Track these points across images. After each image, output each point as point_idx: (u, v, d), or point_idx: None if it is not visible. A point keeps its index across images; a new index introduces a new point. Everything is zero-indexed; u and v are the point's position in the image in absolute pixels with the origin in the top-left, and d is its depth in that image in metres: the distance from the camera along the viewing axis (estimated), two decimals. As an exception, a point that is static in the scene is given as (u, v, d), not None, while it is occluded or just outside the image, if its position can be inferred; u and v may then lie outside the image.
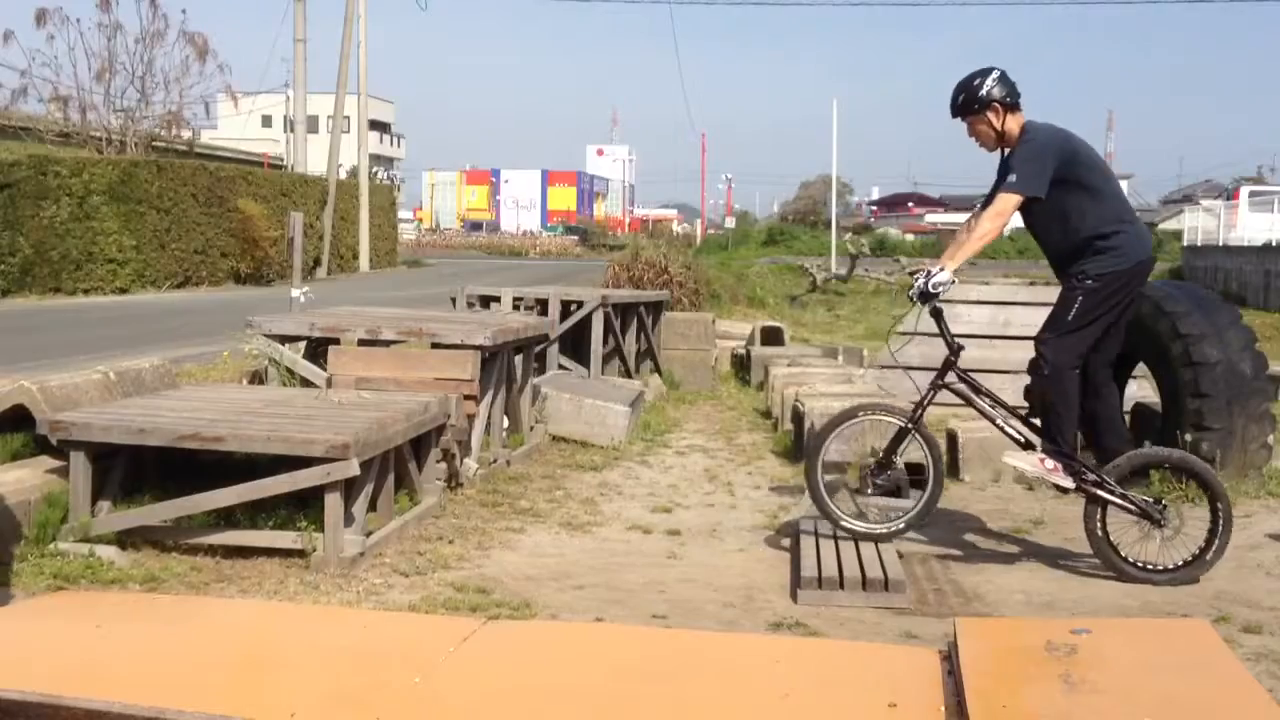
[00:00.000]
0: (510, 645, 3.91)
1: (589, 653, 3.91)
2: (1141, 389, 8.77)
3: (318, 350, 6.77)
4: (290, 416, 5.25)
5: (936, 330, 5.15)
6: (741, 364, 12.27)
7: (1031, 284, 10.90)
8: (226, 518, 4.97)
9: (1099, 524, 4.98)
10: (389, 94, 77.29)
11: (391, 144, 78.51)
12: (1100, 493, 4.98)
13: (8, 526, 4.73)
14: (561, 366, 9.78)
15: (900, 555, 5.07)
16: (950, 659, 3.68)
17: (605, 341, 9.98)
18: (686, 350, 11.51)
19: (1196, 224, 32.89)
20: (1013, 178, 4.93)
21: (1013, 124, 5.07)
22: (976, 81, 5.06)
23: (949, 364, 5.15)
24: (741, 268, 26.97)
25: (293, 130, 32.79)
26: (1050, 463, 5.04)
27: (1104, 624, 4.19)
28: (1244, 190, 34.46)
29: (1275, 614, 4.46)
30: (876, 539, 5.08)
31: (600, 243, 62.06)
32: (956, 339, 5.18)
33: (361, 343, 6.53)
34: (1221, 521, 4.91)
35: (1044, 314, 7.94)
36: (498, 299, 10.01)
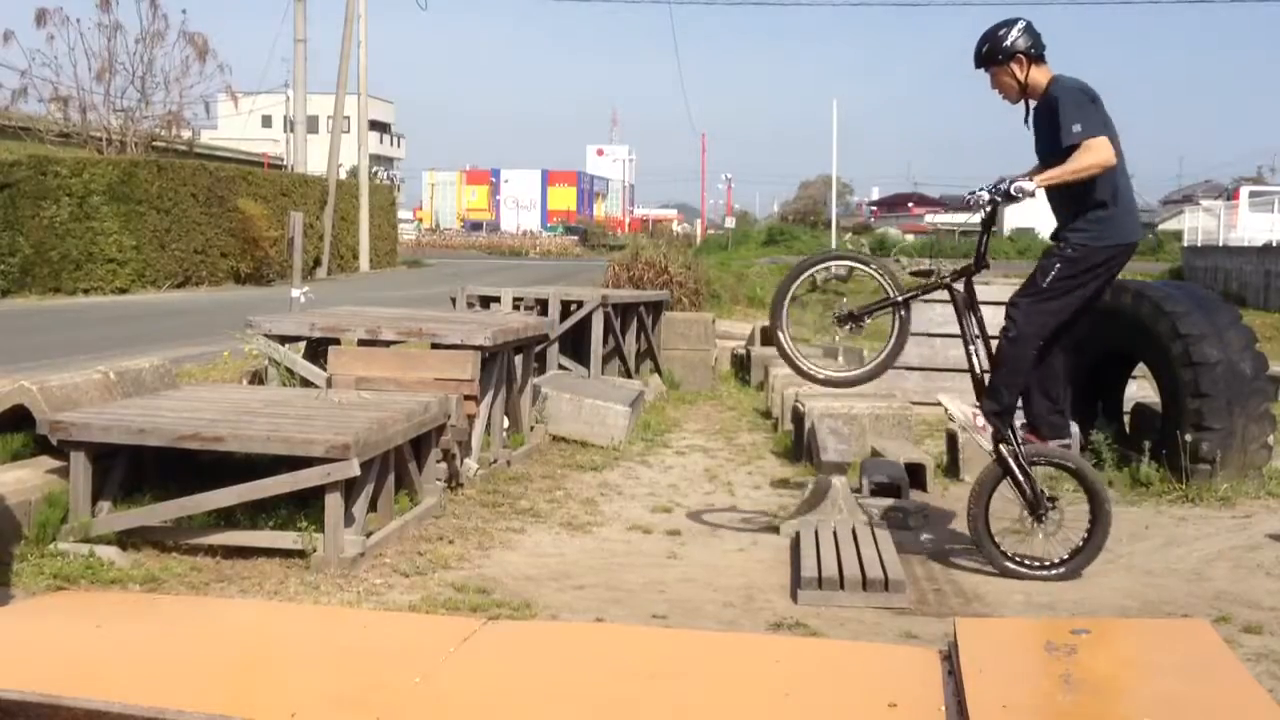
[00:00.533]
0: (510, 645, 3.91)
1: (589, 653, 3.91)
2: (1141, 389, 8.77)
3: (318, 350, 6.77)
4: (290, 416, 5.25)
5: (958, 300, 5.18)
6: (741, 364, 12.27)
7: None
8: (227, 518, 4.97)
9: (990, 492, 5.03)
10: (389, 94, 77.28)
11: (391, 144, 78.51)
12: (1011, 463, 5.00)
13: (8, 526, 4.73)
14: (561, 366, 9.78)
15: (903, 556, 5.07)
16: (950, 659, 3.68)
17: (605, 341, 9.98)
18: (686, 350, 11.51)
19: (1196, 224, 32.89)
20: (1079, 126, 4.76)
21: (1038, 75, 4.99)
22: (1002, 32, 4.98)
23: (968, 273, 5.15)
24: (741, 268, 26.97)
25: (293, 130, 32.78)
26: (982, 420, 5.07)
27: (1104, 624, 4.19)
28: (1244, 190, 34.47)
29: (1275, 614, 4.46)
30: (823, 380, 5.33)
31: (600, 243, 62.05)
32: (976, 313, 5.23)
33: (361, 343, 6.53)
34: (1098, 525, 4.94)
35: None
36: (498, 299, 10.01)
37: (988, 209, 4.98)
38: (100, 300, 19.90)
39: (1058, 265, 4.93)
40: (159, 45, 25.93)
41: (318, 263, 27.73)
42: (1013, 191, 4.84)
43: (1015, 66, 4.98)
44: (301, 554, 4.79)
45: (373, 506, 5.14)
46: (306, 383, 6.54)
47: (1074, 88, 4.92)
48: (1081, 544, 4.96)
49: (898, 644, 4.09)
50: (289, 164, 35.12)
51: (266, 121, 53.06)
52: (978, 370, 5.16)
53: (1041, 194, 4.95)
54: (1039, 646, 3.70)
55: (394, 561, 4.93)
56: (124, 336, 12.88)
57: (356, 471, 4.76)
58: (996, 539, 5.02)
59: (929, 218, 64.66)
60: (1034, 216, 60.87)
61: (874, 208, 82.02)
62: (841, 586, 4.59)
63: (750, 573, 5.02)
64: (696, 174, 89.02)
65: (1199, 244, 30.83)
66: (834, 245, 29.63)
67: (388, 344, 6.61)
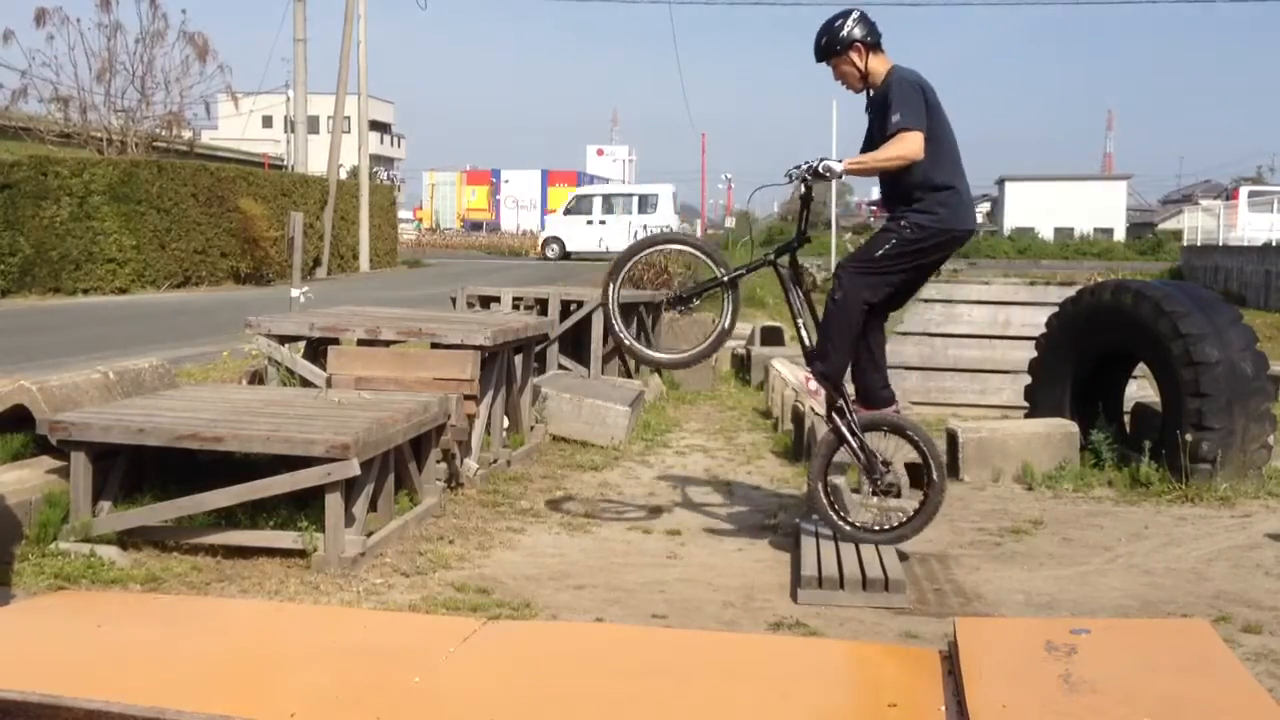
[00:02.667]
0: (510, 645, 3.91)
1: (589, 653, 3.91)
2: (1141, 389, 8.78)
3: (318, 350, 6.77)
4: (290, 416, 5.25)
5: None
6: (741, 364, 12.27)
7: (1031, 284, 10.89)
8: (227, 518, 4.97)
9: (827, 462, 5.18)
10: (389, 94, 77.36)
11: (391, 144, 78.55)
12: (844, 430, 5.13)
13: (8, 526, 4.73)
14: (561, 366, 9.78)
15: (903, 556, 5.07)
16: (950, 659, 3.68)
17: (605, 341, 9.98)
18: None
19: (1196, 224, 32.93)
20: (898, 116, 4.93)
21: (876, 64, 5.14)
22: (838, 23, 5.14)
23: (791, 249, 5.27)
24: (741, 268, 26.91)
25: (293, 130, 32.78)
26: (814, 384, 5.21)
27: (1104, 624, 4.19)
28: (1244, 190, 34.48)
29: (1275, 614, 4.46)
30: (647, 359, 5.47)
31: (600, 242, 61.96)
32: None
33: (361, 343, 6.53)
34: (934, 488, 5.05)
35: (1044, 314, 8.00)
36: (498, 299, 10.00)
37: (801, 186, 5.16)
38: (100, 300, 19.91)
39: (893, 240, 5.06)
40: (159, 45, 25.99)
41: (318, 263, 27.74)
42: (821, 169, 4.99)
43: (854, 55, 5.13)
44: (302, 554, 4.80)
45: (373, 506, 5.14)
46: (306, 383, 6.54)
47: (906, 80, 5.07)
48: (918, 507, 5.09)
49: (898, 644, 4.09)
50: (289, 164, 35.13)
51: (267, 122, 53.08)
52: (807, 342, 5.28)
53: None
54: (1039, 646, 3.70)
55: (394, 561, 4.93)
56: (124, 336, 12.88)
57: (356, 471, 4.76)
58: (836, 505, 5.16)
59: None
60: (1033, 216, 61.01)
61: (874, 207, 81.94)
62: (841, 586, 4.59)
63: (750, 573, 5.02)
64: (696, 174, 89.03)
65: (1199, 244, 30.86)
66: (834, 245, 29.58)
67: (388, 344, 6.61)
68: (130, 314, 16.74)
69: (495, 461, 6.72)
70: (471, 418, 6.28)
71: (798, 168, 5.07)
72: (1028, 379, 7.78)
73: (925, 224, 5.00)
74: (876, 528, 5.09)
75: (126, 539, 4.88)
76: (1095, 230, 59.69)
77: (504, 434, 7.03)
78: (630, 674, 3.65)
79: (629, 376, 10.32)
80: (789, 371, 5.28)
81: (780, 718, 3.30)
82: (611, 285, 5.37)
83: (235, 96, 29.64)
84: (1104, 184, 66.90)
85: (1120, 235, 59.35)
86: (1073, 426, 7.03)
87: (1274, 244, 23.35)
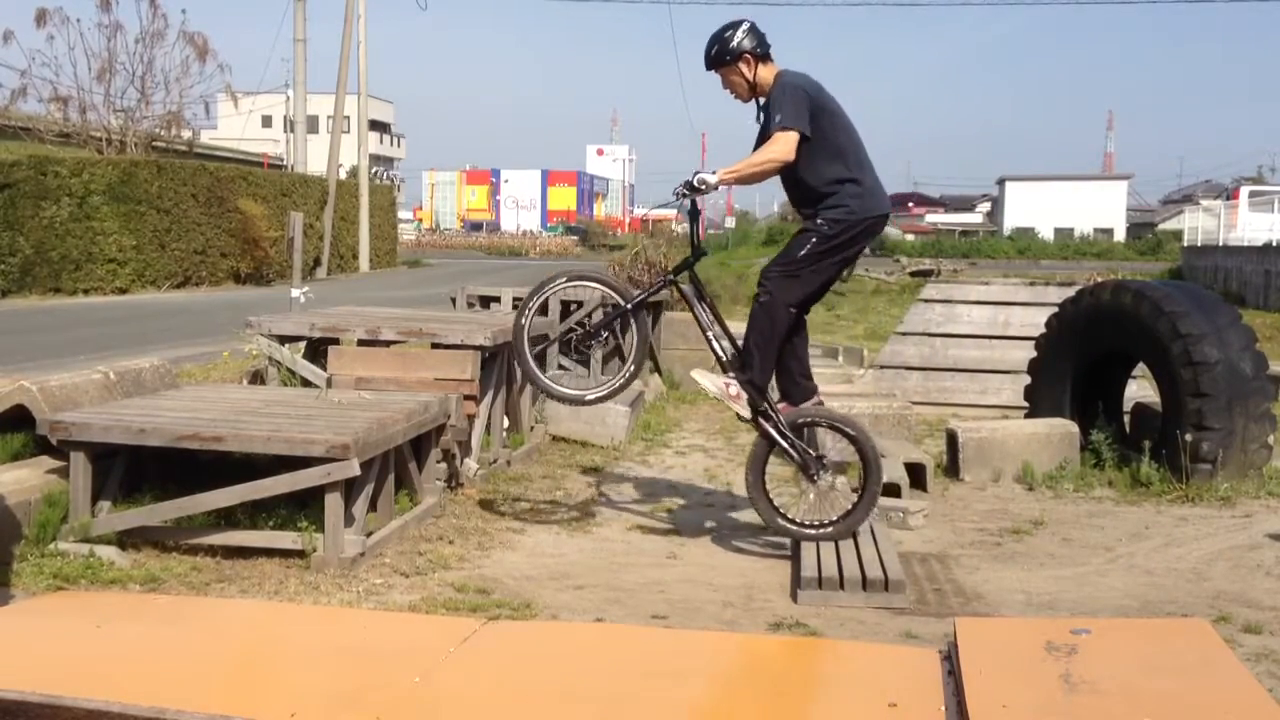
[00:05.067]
0: (510, 645, 3.91)
1: (589, 653, 3.91)
2: (1142, 389, 8.78)
3: (318, 350, 6.77)
4: (290, 416, 5.25)
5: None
6: (741, 364, 12.25)
7: (1031, 284, 10.89)
8: (227, 518, 4.97)
9: (762, 465, 5.23)
10: (389, 94, 77.34)
11: (391, 144, 78.52)
12: (773, 433, 5.17)
13: (8, 526, 4.73)
14: (561, 366, 9.77)
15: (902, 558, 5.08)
16: (950, 659, 3.68)
17: (605, 341, 9.97)
18: (686, 350, 11.49)
19: (1196, 224, 32.91)
20: (780, 117, 4.99)
21: (764, 73, 5.19)
22: (728, 34, 5.19)
23: (688, 264, 5.32)
24: (742, 268, 26.99)
25: (293, 130, 32.79)
26: (735, 389, 5.20)
27: (1104, 624, 4.19)
28: (1244, 190, 34.45)
29: (1275, 614, 4.46)
30: (558, 395, 5.37)
31: (600, 243, 62.02)
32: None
33: (361, 343, 6.53)
34: (870, 481, 5.10)
35: (1044, 314, 8.00)
36: (498, 299, 10.00)
37: (683, 201, 5.20)
38: (100, 300, 19.91)
39: (813, 240, 5.10)
40: (159, 45, 26.01)
41: (318, 263, 27.76)
42: (695, 183, 5.02)
43: (743, 66, 5.19)
44: (301, 554, 4.80)
45: (373, 506, 5.14)
46: (306, 383, 6.54)
47: (790, 83, 5.12)
48: (856, 500, 5.14)
49: (898, 644, 4.09)
50: (289, 164, 35.14)
51: (266, 121, 53.10)
52: (719, 354, 5.31)
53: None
54: (1039, 646, 3.70)
55: (394, 561, 4.93)
56: (124, 336, 12.88)
57: (356, 471, 4.76)
58: (776, 502, 5.23)
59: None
60: (1033, 217, 61.05)
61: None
62: (841, 586, 4.59)
63: (750, 573, 5.02)
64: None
65: (1199, 244, 30.84)
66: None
67: (388, 344, 6.61)
68: (130, 314, 16.74)
69: (495, 461, 6.72)
70: (471, 418, 6.28)
71: (682, 183, 5.12)
72: (1028, 379, 7.78)
73: (841, 218, 5.06)
74: (819, 523, 5.14)
75: (126, 539, 4.88)
76: (1095, 230, 59.72)
77: (504, 434, 7.02)
78: (630, 674, 3.65)
79: (629, 376, 10.31)
80: (706, 380, 5.28)
81: (780, 717, 3.30)
82: (523, 318, 5.37)
83: (235, 96, 29.62)
84: (1104, 184, 66.91)
85: (1120, 235, 59.39)
86: (1073, 426, 7.03)
87: (1274, 244, 23.34)
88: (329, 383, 6.25)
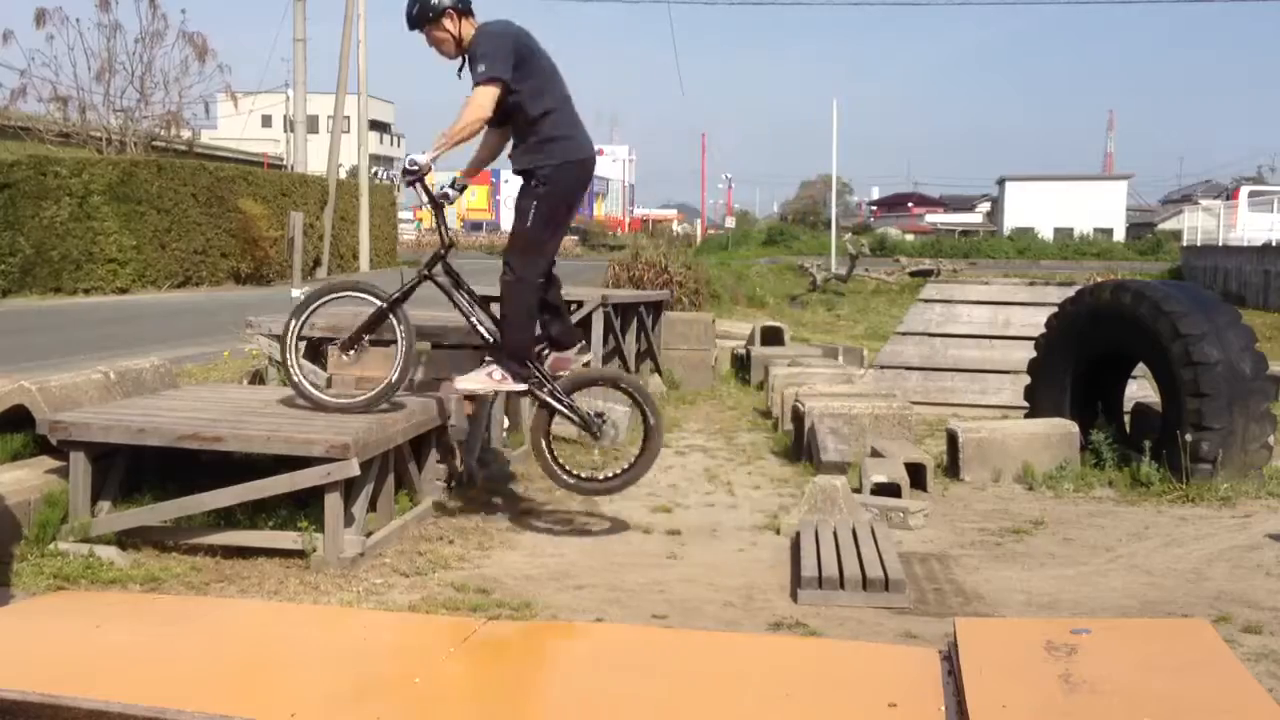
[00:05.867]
0: (510, 645, 3.91)
1: (589, 653, 3.91)
2: (1142, 389, 8.78)
3: (318, 350, 6.76)
4: (290, 416, 5.25)
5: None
6: (741, 364, 12.27)
7: (1031, 284, 10.89)
8: (226, 518, 4.97)
9: (545, 431, 5.36)
10: (389, 94, 77.34)
11: (391, 144, 78.50)
12: (549, 400, 5.29)
13: (8, 526, 4.73)
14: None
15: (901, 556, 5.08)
16: (950, 659, 3.68)
17: (605, 341, 9.98)
18: (686, 350, 11.51)
19: (1196, 224, 32.91)
20: (481, 68, 4.96)
21: (469, 29, 5.18)
22: None
23: (439, 257, 5.38)
24: (741, 268, 27.00)
25: (293, 130, 32.76)
26: (499, 374, 5.26)
27: (1104, 624, 4.19)
28: (1244, 190, 34.47)
29: (1275, 614, 4.46)
30: (319, 403, 5.35)
31: (600, 243, 62.03)
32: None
33: (361, 343, 6.51)
34: (650, 434, 5.28)
35: (1044, 314, 8.00)
36: (498, 299, 9.98)
37: (409, 190, 5.26)
38: (100, 300, 19.91)
39: (534, 204, 5.14)
40: (158, 45, 26.01)
41: (318, 263, 27.74)
42: (408, 165, 5.06)
43: (448, 22, 5.19)
44: (301, 554, 4.80)
45: (373, 506, 5.14)
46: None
47: (491, 31, 5.11)
48: (639, 453, 5.34)
49: (898, 644, 4.09)
50: (289, 164, 35.11)
51: (266, 121, 53.06)
52: (486, 337, 5.41)
53: None
54: (1039, 646, 3.70)
55: (394, 561, 4.93)
56: (124, 336, 12.88)
57: (356, 471, 4.76)
58: (561, 462, 5.40)
59: (929, 218, 64.80)
60: (1033, 216, 61.00)
61: (874, 207, 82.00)
62: (841, 586, 4.59)
63: (750, 573, 5.02)
64: (696, 174, 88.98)
65: (1199, 244, 30.84)
66: (833, 245, 29.58)
67: (388, 344, 6.59)
68: (130, 314, 16.74)
69: (495, 462, 6.71)
70: (471, 418, 6.28)
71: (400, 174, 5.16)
72: (1028, 379, 7.78)
73: (552, 169, 5.08)
74: (601, 477, 5.36)
75: (126, 539, 4.88)
76: (1095, 230, 59.68)
77: (504, 434, 7.02)
78: (630, 674, 3.65)
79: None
80: (466, 382, 5.36)
81: (780, 717, 3.30)
82: (291, 325, 5.45)
83: (234, 96, 29.64)
84: (1104, 184, 66.83)
85: (1120, 235, 59.35)
86: (1073, 426, 7.03)
87: (1274, 244, 23.35)
88: (329, 383, 6.25)
